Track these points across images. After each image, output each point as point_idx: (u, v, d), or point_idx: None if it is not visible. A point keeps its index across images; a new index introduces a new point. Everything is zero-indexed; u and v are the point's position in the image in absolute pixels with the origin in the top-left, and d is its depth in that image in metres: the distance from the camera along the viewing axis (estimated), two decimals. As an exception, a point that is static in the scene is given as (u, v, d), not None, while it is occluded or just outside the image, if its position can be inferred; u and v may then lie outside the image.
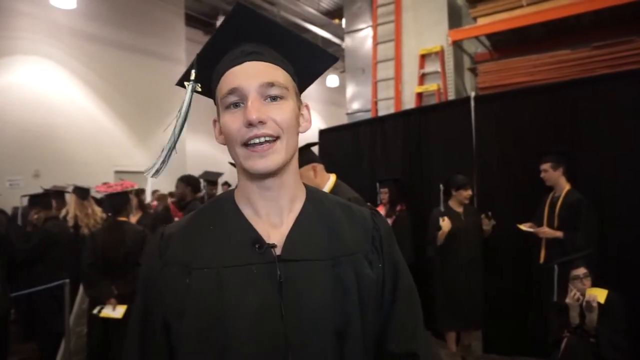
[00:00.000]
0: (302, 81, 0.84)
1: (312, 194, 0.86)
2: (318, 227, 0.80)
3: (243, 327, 0.71)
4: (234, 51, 0.78)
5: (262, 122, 0.72)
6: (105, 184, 3.39)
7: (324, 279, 0.75)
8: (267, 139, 0.73)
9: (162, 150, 0.79)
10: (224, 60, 0.78)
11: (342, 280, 0.76)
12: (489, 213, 3.48)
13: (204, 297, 0.73)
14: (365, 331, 0.77)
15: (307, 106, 0.85)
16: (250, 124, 0.72)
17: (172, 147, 0.79)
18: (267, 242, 0.76)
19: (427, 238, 3.62)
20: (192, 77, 0.79)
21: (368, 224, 0.84)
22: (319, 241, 0.78)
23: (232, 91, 0.75)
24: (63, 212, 4.02)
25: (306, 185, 0.87)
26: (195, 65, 0.79)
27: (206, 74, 0.80)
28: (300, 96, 0.83)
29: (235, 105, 0.75)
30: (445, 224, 3.38)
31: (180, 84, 0.83)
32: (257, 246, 0.75)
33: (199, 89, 0.80)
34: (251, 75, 0.75)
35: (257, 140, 0.73)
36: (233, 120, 0.74)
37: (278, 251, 0.76)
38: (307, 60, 0.83)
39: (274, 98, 0.75)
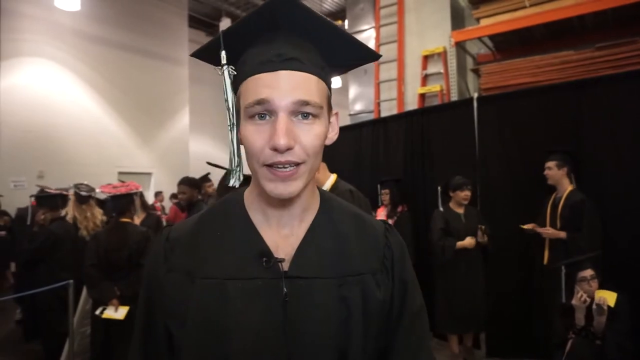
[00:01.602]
0: (335, 71, 0.78)
1: (326, 203, 0.81)
2: (328, 243, 0.76)
3: (245, 341, 0.70)
4: (268, 51, 0.68)
5: (289, 149, 0.66)
6: (109, 184, 3.39)
7: (329, 298, 0.73)
8: (292, 166, 0.67)
9: (230, 154, 0.73)
10: (256, 60, 0.69)
11: (347, 300, 0.73)
12: (483, 227, 3.47)
13: (206, 307, 0.71)
14: (367, 351, 0.75)
15: (336, 114, 0.78)
16: (276, 149, 0.65)
17: (236, 147, 0.72)
18: (275, 255, 0.73)
19: (430, 238, 3.60)
20: (224, 60, 0.70)
21: (380, 240, 0.81)
22: (328, 258, 0.75)
23: (260, 102, 0.66)
24: (63, 212, 4.05)
25: (321, 193, 0.83)
26: (222, 45, 0.70)
27: (231, 57, 0.72)
28: (331, 103, 0.75)
29: (261, 116, 0.67)
30: (469, 241, 3.41)
31: (198, 56, 0.77)
32: (264, 260, 0.72)
33: (233, 71, 0.71)
34: (285, 89, 0.66)
35: (280, 165, 0.67)
36: (257, 136, 0.67)
37: (285, 265, 0.73)
38: (346, 57, 0.76)
39: (305, 115, 0.68)
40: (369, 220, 0.84)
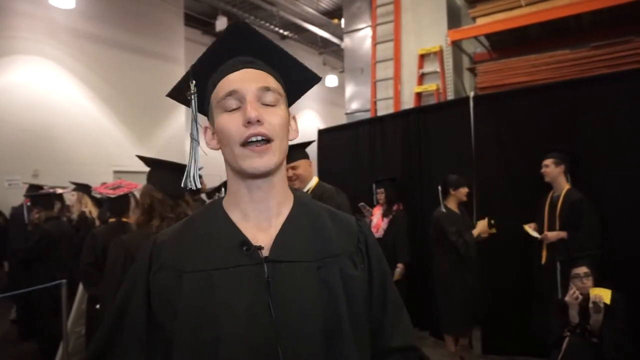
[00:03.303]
0: (289, 96, 0.89)
1: (300, 198, 0.89)
2: (305, 230, 0.83)
3: (234, 325, 0.74)
4: (231, 61, 0.83)
5: (259, 121, 0.77)
6: (103, 184, 3.37)
7: (309, 280, 0.78)
8: (263, 138, 0.77)
9: (187, 168, 0.85)
10: (221, 69, 0.83)
11: (327, 281, 0.79)
12: (492, 221, 3.45)
13: (196, 298, 0.76)
14: (355, 329, 0.80)
15: (294, 118, 0.91)
16: (249, 122, 0.76)
17: (195, 163, 0.84)
18: (255, 244, 0.79)
19: (448, 238, 3.37)
20: (193, 90, 0.82)
21: (353, 228, 0.89)
22: (306, 243, 0.82)
23: (231, 93, 0.79)
24: (86, 211, 4.03)
25: (293, 191, 0.91)
26: (191, 77, 0.82)
27: (199, 85, 0.83)
28: (288, 108, 0.88)
29: (232, 108, 0.79)
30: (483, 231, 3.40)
31: (173, 96, 0.88)
32: (244, 248, 0.79)
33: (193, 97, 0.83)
34: (249, 79, 0.80)
35: (254, 139, 0.77)
36: (231, 121, 0.78)
37: (266, 253, 0.79)
38: (294, 77, 0.89)
39: (268, 104, 0.80)
40: (341, 214, 0.93)
